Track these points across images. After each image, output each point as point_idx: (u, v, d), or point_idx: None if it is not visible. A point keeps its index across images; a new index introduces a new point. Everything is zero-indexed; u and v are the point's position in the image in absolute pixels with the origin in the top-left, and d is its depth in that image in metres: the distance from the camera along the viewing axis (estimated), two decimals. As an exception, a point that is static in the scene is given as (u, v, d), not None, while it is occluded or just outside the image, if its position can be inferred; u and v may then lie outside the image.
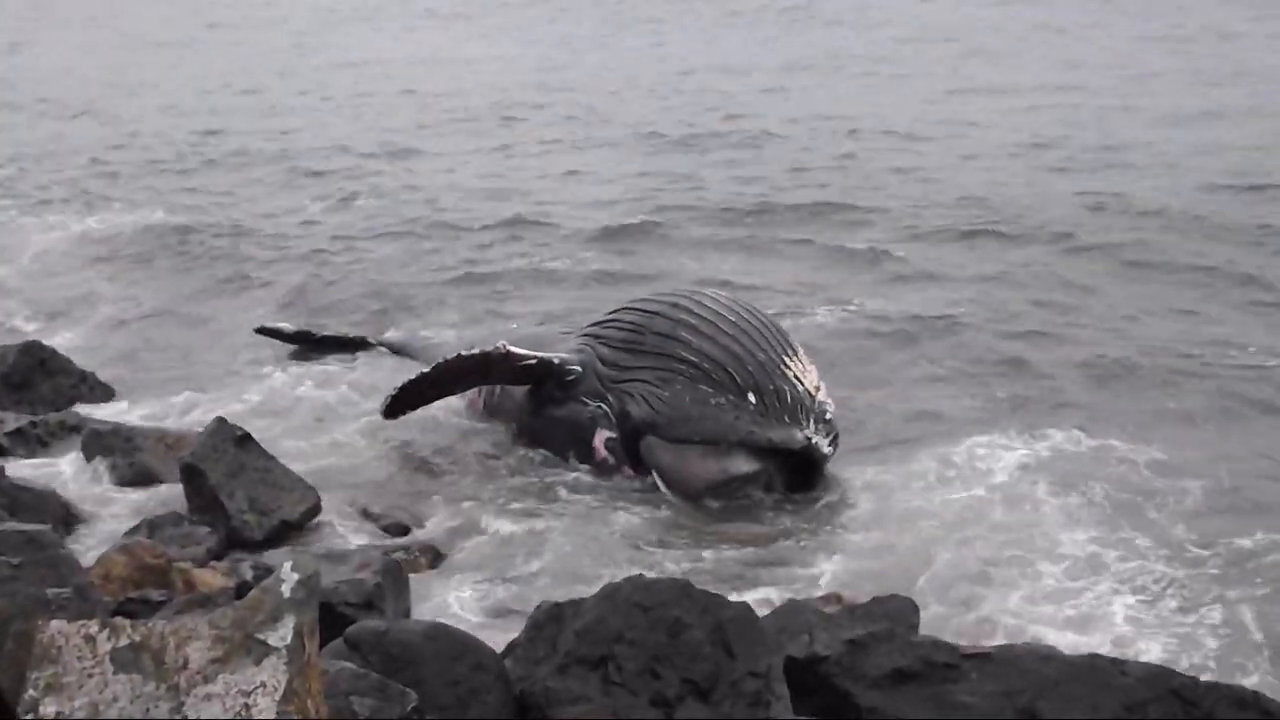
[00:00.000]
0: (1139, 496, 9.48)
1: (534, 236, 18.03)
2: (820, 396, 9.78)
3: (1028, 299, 14.33)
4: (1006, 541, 8.85)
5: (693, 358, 9.80)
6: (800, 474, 9.86)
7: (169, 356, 13.78)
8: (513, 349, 10.34)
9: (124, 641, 4.15)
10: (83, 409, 11.72)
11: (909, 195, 19.61)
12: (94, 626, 4.20)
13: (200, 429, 9.88)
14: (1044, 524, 9.11)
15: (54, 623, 4.22)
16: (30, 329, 14.50)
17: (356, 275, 16.58)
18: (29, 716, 4.03)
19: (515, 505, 9.69)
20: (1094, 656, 6.09)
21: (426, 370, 10.66)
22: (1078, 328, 13.31)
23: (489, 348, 10.41)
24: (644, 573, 6.33)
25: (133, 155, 25.44)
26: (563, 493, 9.88)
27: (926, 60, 34.74)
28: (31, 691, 4.08)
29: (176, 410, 11.98)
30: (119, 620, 4.26)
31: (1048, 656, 6.08)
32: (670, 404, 9.79)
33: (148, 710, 4.04)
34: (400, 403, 10.77)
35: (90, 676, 4.09)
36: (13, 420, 11.05)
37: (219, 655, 4.14)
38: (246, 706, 4.04)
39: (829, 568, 8.67)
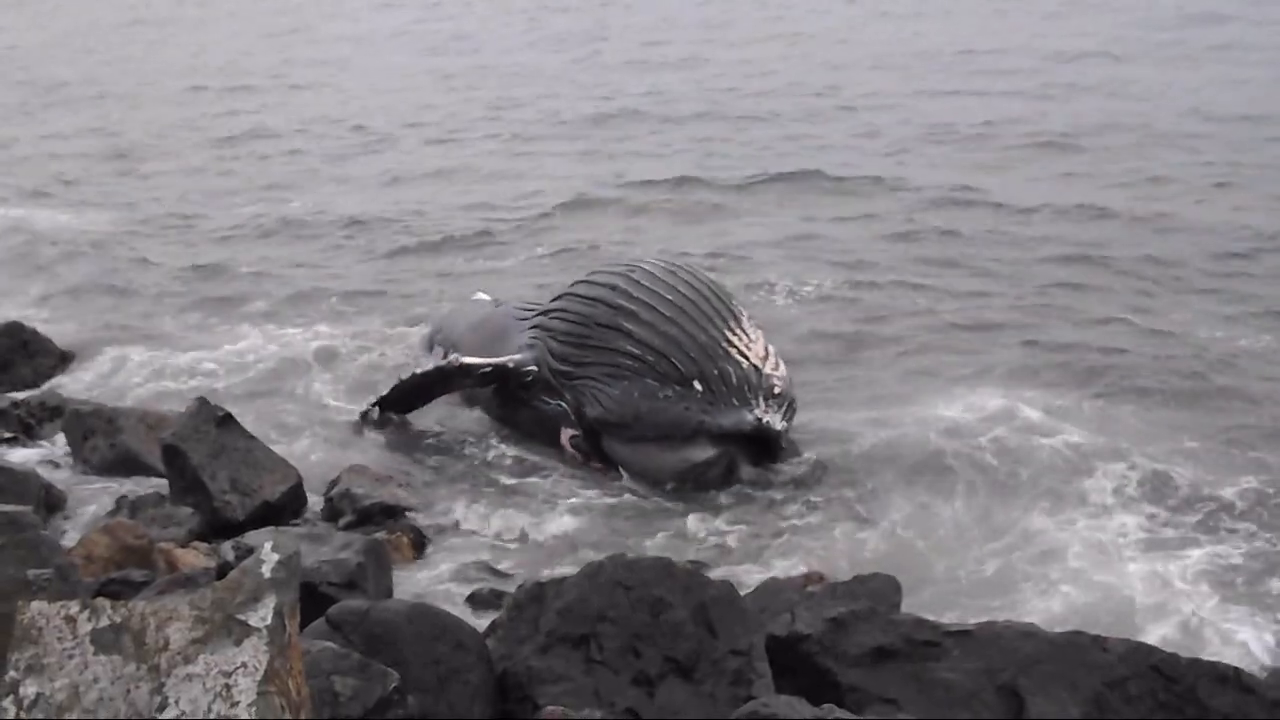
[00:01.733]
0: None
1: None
2: (768, 368, 9.73)
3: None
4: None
5: (636, 350, 9.76)
6: (761, 448, 9.82)
7: (146, 336, 13.73)
8: (466, 360, 10.53)
9: (104, 622, 4.14)
10: (63, 387, 11.71)
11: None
12: (74, 607, 4.18)
13: (181, 408, 9.87)
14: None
15: (34, 604, 4.20)
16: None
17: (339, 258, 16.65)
18: (9, 698, 4.02)
19: (498, 488, 9.72)
20: (1075, 634, 6.10)
21: (386, 392, 10.91)
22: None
23: (443, 362, 10.66)
24: (626, 552, 6.35)
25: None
26: (547, 476, 9.89)
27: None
28: (12, 673, 4.07)
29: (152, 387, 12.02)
30: (99, 601, 4.24)
31: (1028, 634, 6.10)
32: (620, 402, 9.77)
33: (128, 691, 4.03)
34: (382, 410, 11.01)
35: (71, 657, 4.08)
36: (-7, 402, 11.06)
37: (199, 636, 4.13)
38: (227, 687, 4.03)
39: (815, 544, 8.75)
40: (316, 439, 10.71)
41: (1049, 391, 10.78)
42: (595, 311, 10.12)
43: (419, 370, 10.75)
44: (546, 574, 7.28)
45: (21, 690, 4.04)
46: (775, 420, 9.62)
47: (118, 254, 17.26)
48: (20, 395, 11.39)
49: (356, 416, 11.04)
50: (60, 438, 10.41)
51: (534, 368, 10.37)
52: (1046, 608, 7.70)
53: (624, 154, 21.95)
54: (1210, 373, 11.08)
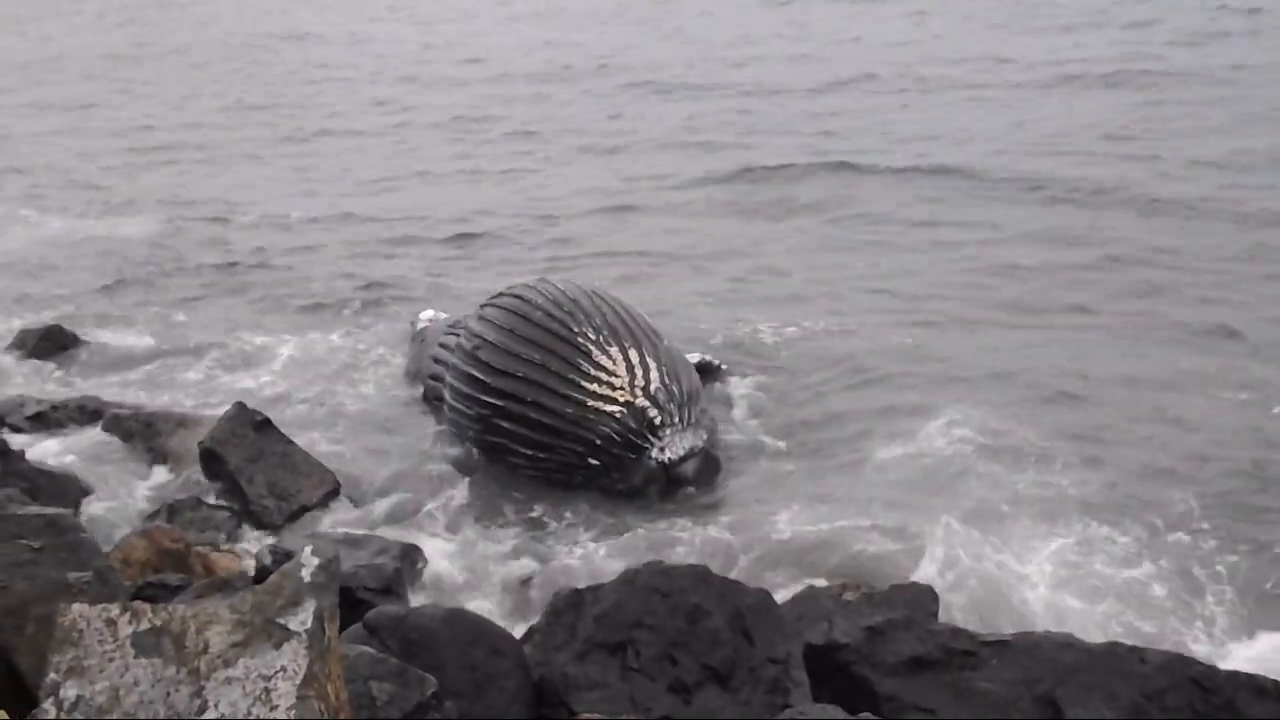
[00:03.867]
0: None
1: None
2: (639, 398, 9.39)
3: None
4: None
5: (529, 452, 9.59)
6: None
7: (183, 337, 13.80)
8: None
9: (145, 625, 4.16)
10: (102, 390, 11.78)
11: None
12: (115, 610, 4.20)
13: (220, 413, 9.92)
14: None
15: (75, 606, 4.23)
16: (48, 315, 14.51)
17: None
18: (50, 700, 4.04)
19: (536, 494, 9.72)
20: (1113, 644, 6.08)
21: None
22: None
23: None
24: (662, 559, 6.35)
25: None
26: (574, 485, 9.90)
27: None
28: (53, 675, 4.09)
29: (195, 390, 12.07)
30: (140, 604, 4.26)
31: (1067, 644, 6.08)
32: (555, 481, 9.67)
33: (168, 694, 4.05)
34: None
35: (111, 660, 4.10)
36: (34, 404, 11.11)
37: (239, 639, 4.15)
38: (267, 691, 4.05)
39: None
40: (354, 444, 10.70)
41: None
42: (475, 415, 9.92)
43: None
44: (583, 581, 7.26)
45: (62, 692, 4.06)
46: (676, 448, 9.36)
47: (161, 256, 17.35)
48: (59, 398, 11.45)
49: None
50: (99, 440, 10.45)
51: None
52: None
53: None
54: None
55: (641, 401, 9.38)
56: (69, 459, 10.05)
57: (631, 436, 9.32)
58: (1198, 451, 9.83)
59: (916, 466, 9.67)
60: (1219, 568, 8.20)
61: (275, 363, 12.86)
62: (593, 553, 8.77)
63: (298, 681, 4.07)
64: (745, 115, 24.97)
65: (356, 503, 9.56)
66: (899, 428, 10.31)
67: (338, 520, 9.21)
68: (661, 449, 9.32)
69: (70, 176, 23.30)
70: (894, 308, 13.78)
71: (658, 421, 9.36)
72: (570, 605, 5.99)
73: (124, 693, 4.06)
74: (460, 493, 9.69)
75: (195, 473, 9.61)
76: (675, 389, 9.54)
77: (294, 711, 4.01)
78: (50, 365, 12.64)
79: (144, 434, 10.25)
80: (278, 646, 4.14)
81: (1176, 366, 11.46)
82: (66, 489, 9.06)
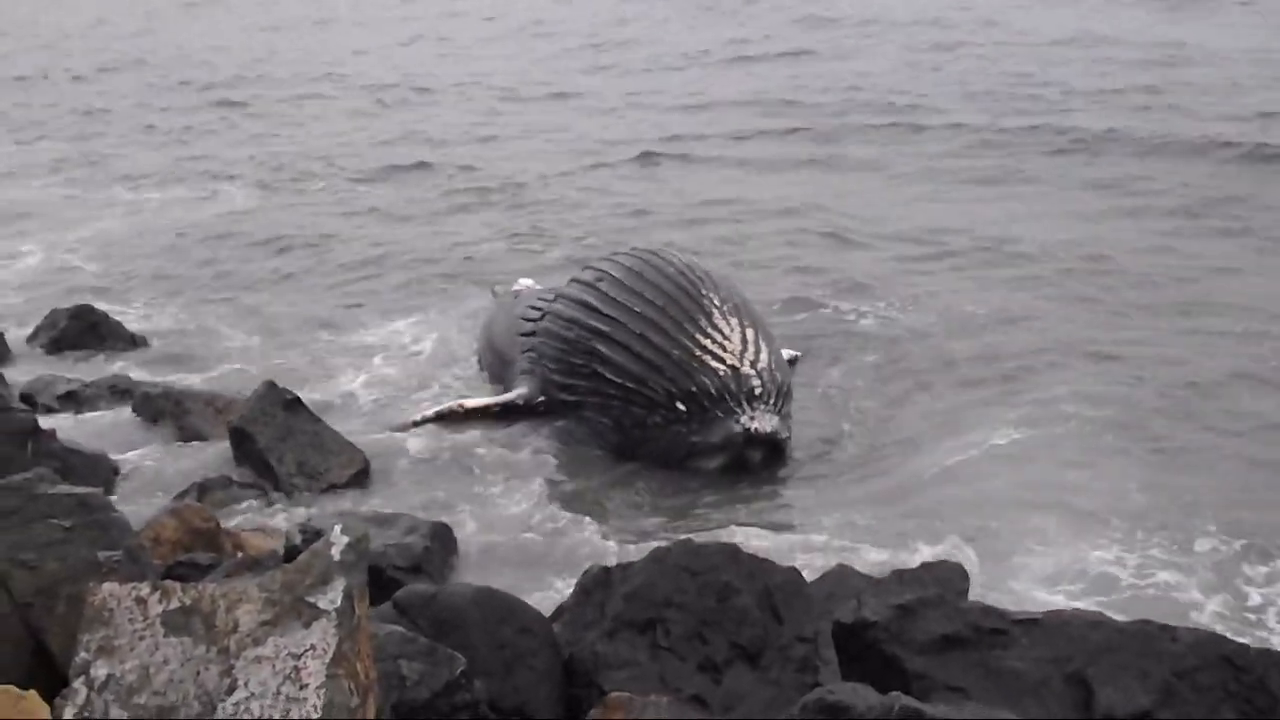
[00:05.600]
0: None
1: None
2: (746, 366, 9.57)
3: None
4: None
5: (617, 379, 9.78)
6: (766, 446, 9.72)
7: (223, 323, 13.81)
8: (470, 405, 10.60)
9: (175, 604, 4.18)
10: (132, 370, 11.82)
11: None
12: (145, 589, 4.22)
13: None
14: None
15: (105, 585, 4.24)
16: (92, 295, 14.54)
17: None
18: (80, 678, 4.05)
19: (554, 479, 9.72)
20: (1144, 623, 6.03)
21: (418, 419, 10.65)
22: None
23: (443, 408, 10.63)
24: (692, 537, 6.33)
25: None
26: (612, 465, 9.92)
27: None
28: (83, 654, 4.11)
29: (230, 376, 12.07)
30: (170, 583, 4.28)
31: (1097, 623, 6.03)
32: (617, 433, 9.91)
33: (198, 673, 4.06)
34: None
35: (141, 639, 4.11)
36: (64, 384, 11.15)
37: (269, 618, 4.15)
38: (296, 669, 4.05)
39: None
40: (383, 425, 10.69)
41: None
42: (573, 336, 10.21)
43: (431, 413, 10.62)
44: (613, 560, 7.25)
45: (92, 671, 4.08)
46: (765, 423, 9.46)
47: (206, 239, 17.36)
48: (90, 378, 11.48)
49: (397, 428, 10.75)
50: (129, 419, 10.47)
51: (542, 397, 10.50)
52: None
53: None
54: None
55: (748, 370, 9.59)
56: (100, 438, 10.08)
57: (727, 397, 9.50)
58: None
59: (970, 461, 9.65)
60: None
61: (312, 342, 12.88)
62: (624, 530, 8.78)
63: (327, 660, 4.08)
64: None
65: (387, 482, 9.56)
66: (963, 421, 10.33)
67: (367, 499, 9.22)
68: (751, 418, 9.45)
69: (155, 155, 23.21)
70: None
71: (757, 392, 9.54)
72: (600, 584, 5.98)
73: (154, 671, 4.07)
74: (491, 472, 9.70)
75: (225, 452, 9.63)
76: (779, 376, 9.74)
77: (323, 690, 4.02)
78: (81, 345, 12.66)
79: (174, 413, 10.28)
80: (307, 625, 4.15)
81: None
82: (97, 468, 9.08)
